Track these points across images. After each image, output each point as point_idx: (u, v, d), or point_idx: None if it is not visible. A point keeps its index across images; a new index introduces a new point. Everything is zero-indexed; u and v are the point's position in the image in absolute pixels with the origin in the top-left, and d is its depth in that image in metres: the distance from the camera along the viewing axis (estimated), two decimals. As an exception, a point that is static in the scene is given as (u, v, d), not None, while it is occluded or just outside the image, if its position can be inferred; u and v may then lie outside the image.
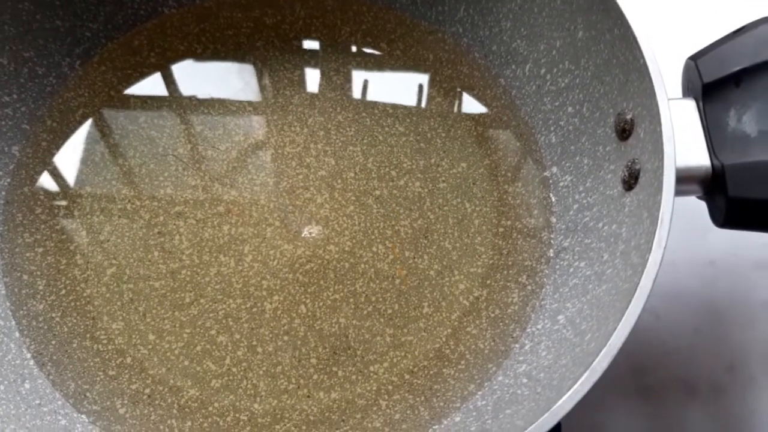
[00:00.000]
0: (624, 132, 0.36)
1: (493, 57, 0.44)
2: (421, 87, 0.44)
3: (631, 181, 0.36)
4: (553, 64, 0.41)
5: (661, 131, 0.33)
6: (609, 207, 0.37)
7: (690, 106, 0.36)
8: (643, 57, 0.34)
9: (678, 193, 0.32)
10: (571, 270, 0.38)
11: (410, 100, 0.44)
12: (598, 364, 0.29)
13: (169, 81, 0.44)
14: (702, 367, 0.41)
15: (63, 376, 0.37)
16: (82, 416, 0.36)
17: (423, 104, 0.44)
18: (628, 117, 0.36)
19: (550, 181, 0.41)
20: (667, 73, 0.34)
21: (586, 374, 0.29)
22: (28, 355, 0.37)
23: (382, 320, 0.39)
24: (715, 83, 0.35)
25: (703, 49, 0.36)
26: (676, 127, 0.33)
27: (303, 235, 0.40)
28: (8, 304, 0.38)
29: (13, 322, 0.38)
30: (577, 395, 0.29)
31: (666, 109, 0.33)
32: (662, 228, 0.31)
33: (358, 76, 0.44)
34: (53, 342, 0.38)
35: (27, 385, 0.36)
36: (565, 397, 0.29)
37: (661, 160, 0.32)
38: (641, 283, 0.30)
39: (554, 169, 0.41)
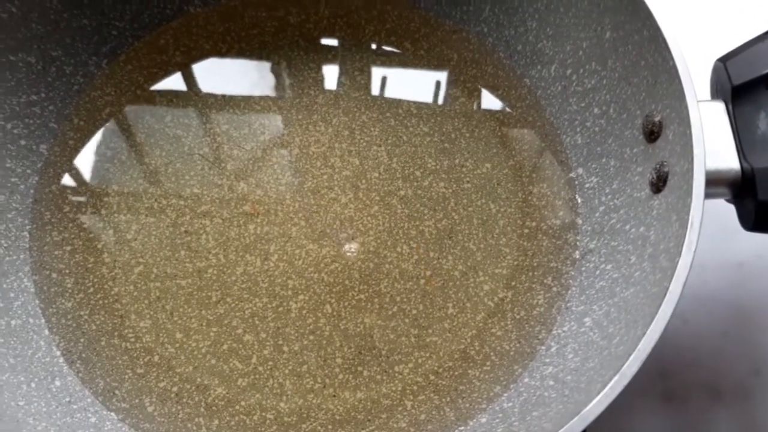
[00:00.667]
0: (652, 134, 0.36)
1: (518, 57, 0.44)
2: (445, 87, 0.44)
3: (659, 184, 0.35)
4: (580, 65, 0.41)
5: (690, 134, 0.33)
6: (636, 209, 0.37)
7: (719, 109, 0.35)
8: (672, 59, 0.34)
9: (707, 196, 0.32)
10: (598, 272, 0.38)
11: (434, 100, 0.44)
12: (627, 368, 0.29)
13: (195, 80, 0.44)
14: (728, 370, 0.41)
15: (92, 373, 0.37)
16: (111, 414, 0.37)
17: (447, 104, 0.44)
18: (657, 119, 0.36)
19: (576, 183, 0.41)
20: (695, 75, 0.34)
21: (615, 378, 0.29)
22: (58, 353, 0.38)
23: (407, 320, 0.39)
24: (744, 85, 0.35)
25: (732, 50, 0.36)
26: (705, 129, 0.33)
27: (343, 247, 0.40)
28: (37, 301, 0.39)
29: (43, 320, 0.38)
30: (606, 399, 0.29)
31: (696, 111, 0.33)
32: (692, 232, 0.31)
33: (381, 76, 0.44)
34: (82, 340, 0.38)
35: (57, 383, 0.37)
36: (594, 401, 0.29)
37: (691, 162, 0.32)
38: (671, 288, 0.30)
39: (580, 171, 0.41)
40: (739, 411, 0.41)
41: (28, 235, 0.40)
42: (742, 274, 0.43)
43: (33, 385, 0.36)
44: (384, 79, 0.44)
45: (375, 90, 0.44)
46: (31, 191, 0.41)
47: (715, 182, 0.34)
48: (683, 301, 0.40)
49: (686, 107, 0.33)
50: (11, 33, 0.39)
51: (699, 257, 0.31)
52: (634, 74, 0.37)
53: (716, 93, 0.37)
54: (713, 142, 0.34)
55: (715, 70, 0.37)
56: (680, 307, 0.40)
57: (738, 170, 0.34)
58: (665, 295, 0.30)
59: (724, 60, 0.36)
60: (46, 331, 0.38)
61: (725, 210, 0.36)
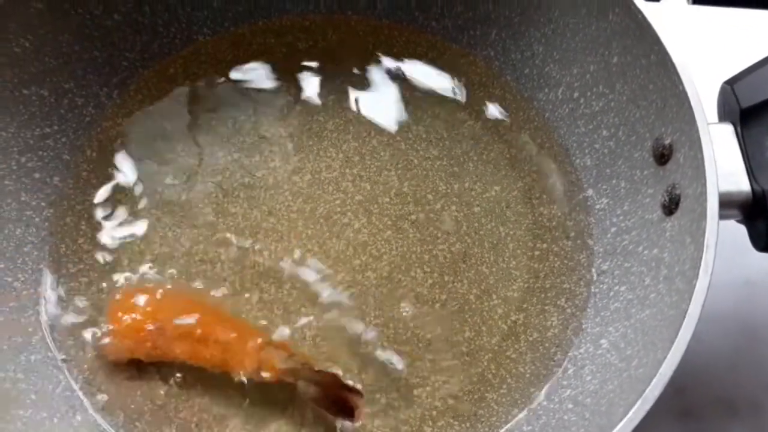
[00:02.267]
0: (662, 157, 0.37)
1: (525, 80, 0.44)
2: (453, 110, 0.45)
3: (671, 206, 0.36)
4: (587, 88, 0.41)
5: (702, 157, 0.33)
6: (649, 231, 0.37)
7: (728, 131, 0.36)
8: (681, 83, 0.35)
9: (719, 217, 0.33)
10: (612, 294, 0.39)
11: (443, 124, 0.44)
12: (650, 392, 0.30)
13: (205, 108, 0.44)
14: (742, 386, 0.41)
15: (112, 406, 0.37)
16: (132, 446, 0.37)
17: (456, 128, 0.44)
18: (667, 142, 0.36)
19: (587, 204, 0.42)
20: (702, 97, 0.35)
21: (639, 403, 0.29)
22: (77, 387, 0.38)
23: (422, 345, 0.39)
24: (753, 108, 0.36)
25: (738, 73, 0.37)
26: (715, 151, 0.33)
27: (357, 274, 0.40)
28: (55, 334, 0.39)
29: (61, 354, 0.38)
30: (630, 424, 0.29)
31: (707, 135, 0.33)
32: (708, 254, 0.32)
33: (390, 100, 0.45)
34: (101, 372, 0.38)
35: (79, 417, 0.37)
36: (619, 426, 0.29)
37: (704, 186, 0.33)
38: (690, 311, 0.31)
39: (590, 192, 0.42)
40: (754, 426, 0.41)
41: (44, 269, 0.40)
42: (753, 291, 0.43)
43: (55, 420, 0.36)
44: (393, 104, 0.45)
45: (384, 115, 0.44)
46: (46, 224, 0.41)
47: (726, 204, 0.34)
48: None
49: (697, 131, 0.34)
50: (25, 67, 0.39)
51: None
52: (643, 98, 0.38)
53: (724, 115, 0.37)
54: (723, 164, 0.34)
55: (723, 93, 0.37)
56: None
57: (749, 192, 0.35)
58: (684, 317, 0.31)
59: (731, 83, 0.37)
60: (65, 365, 0.38)
61: (734, 228, 0.37)
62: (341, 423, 0.37)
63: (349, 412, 0.36)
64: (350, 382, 0.37)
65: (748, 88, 0.36)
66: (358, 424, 0.37)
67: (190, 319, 0.37)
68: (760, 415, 0.41)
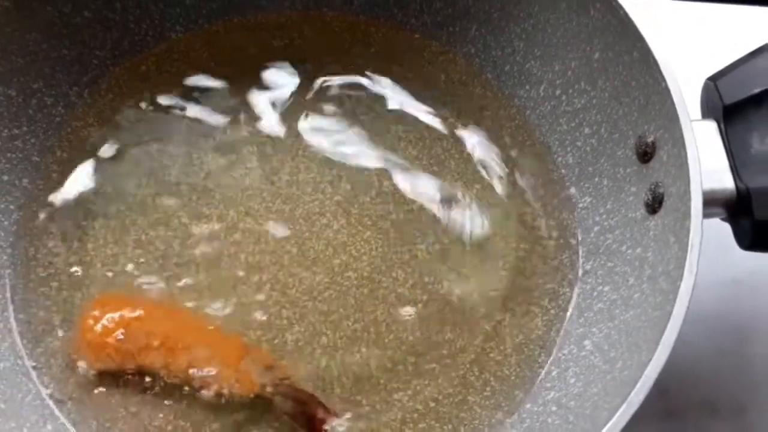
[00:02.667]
0: (645, 155, 0.36)
1: (506, 77, 0.44)
2: (433, 109, 0.44)
3: (654, 205, 0.35)
4: (569, 85, 0.41)
5: (686, 155, 0.33)
6: (632, 230, 0.37)
7: (711, 128, 0.35)
8: (664, 80, 0.34)
9: (703, 216, 0.32)
10: (595, 294, 0.38)
11: (422, 123, 0.43)
12: (635, 396, 0.29)
13: (178, 107, 0.43)
14: (725, 387, 0.41)
15: (84, 414, 0.36)
16: (105, 456, 0.36)
17: (436, 126, 0.43)
18: (650, 140, 0.36)
19: (570, 201, 0.41)
20: (685, 93, 0.34)
21: (623, 407, 0.29)
22: (47, 395, 0.37)
23: (404, 348, 0.39)
24: (736, 105, 0.35)
25: (722, 69, 0.36)
26: (699, 149, 0.33)
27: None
28: (25, 341, 0.37)
29: (31, 361, 0.37)
30: (615, 428, 0.29)
31: (690, 133, 0.33)
32: (692, 254, 0.31)
33: (368, 99, 0.44)
34: (72, 380, 0.37)
35: (49, 427, 0.36)
36: (603, 431, 0.29)
37: (688, 185, 0.32)
38: (674, 312, 0.30)
39: (573, 190, 0.41)
40: (736, 428, 0.41)
41: (11, 272, 0.39)
42: (737, 291, 0.43)
43: (25, 430, 0.35)
44: (372, 103, 0.44)
45: (363, 114, 0.44)
46: (14, 227, 0.39)
47: (710, 202, 0.34)
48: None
49: (680, 128, 0.33)
50: (-9, 65, 0.38)
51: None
52: (625, 95, 0.37)
53: (707, 112, 0.37)
54: (707, 161, 0.34)
55: (706, 89, 0.37)
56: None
57: (733, 190, 0.34)
58: (669, 319, 0.30)
59: (714, 79, 0.36)
60: (35, 373, 0.37)
61: (718, 227, 0.36)
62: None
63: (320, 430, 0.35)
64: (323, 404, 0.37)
65: (731, 85, 0.36)
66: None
67: (163, 328, 0.36)
68: (743, 417, 0.41)
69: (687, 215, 0.32)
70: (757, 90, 0.35)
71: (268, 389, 0.36)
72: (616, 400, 0.30)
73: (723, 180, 0.34)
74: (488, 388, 0.38)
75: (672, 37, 0.46)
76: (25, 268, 0.39)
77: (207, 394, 0.36)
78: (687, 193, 0.32)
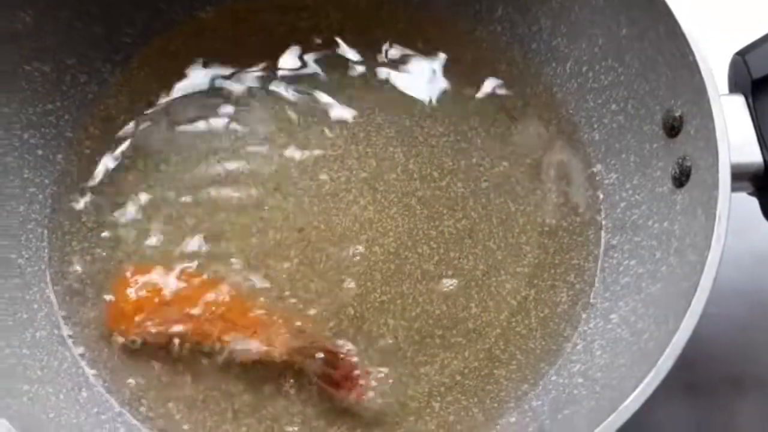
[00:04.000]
0: (673, 129, 0.36)
1: (532, 55, 0.44)
2: (459, 87, 0.44)
3: (682, 178, 0.35)
4: (596, 62, 0.41)
5: (713, 128, 0.33)
6: (659, 204, 0.37)
7: (739, 102, 0.35)
8: (692, 53, 0.34)
9: (730, 189, 0.32)
10: (621, 268, 0.38)
11: (449, 100, 0.44)
12: (663, 363, 0.29)
13: (208, 84, 0.44)
14: (750, 363, 0.41)
15: (118, 382, 0.37)
16: (139, 423, 0.36)
17: (462, 104, 0.44)
18: (677, 114, 0.36)
19: (596, 179, 0.41)
20: (713, 68, 0.34)
21: (651, 374, 0.29)
22: (83, 363, 0.37)
23: (430, 321, 0.39)
24: (765, 78, 0.35)
25: (750, 44, 0.36)
26: (727, 123, 0.33)
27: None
28: (61, 312, 0.38)
29: (67, 330, 0.38)
30: (643, 395, 0.29)
31: (718, 106, 0.33)
32: (720, 226, 0.31)
33: (394, 77, 0.44)
34: (106, 349, 0.38)
35: (84, 394, 0.36)
36: (631, 397, 0.29)
37: (715, 157, 0.32)
38: (702, 282, 0.30)
39: (599, 167, 0.41)
40: (762, 402, 0.41)
41: (48, 246, 0.40)
42: (762, 265, 0.43)
43: (61, 396, 0.36)
44: (397, 81, 0.44)
45: (389, 92, 0.44)
46: (50, 201, 0.40)
47: (737, 176, 0.33)
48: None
49: (708, 102, 0.33)
50: (25, 43, 0.39)
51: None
52: (652, 70, 0.37)
53: (735, 86, 0.37)
54: (735, 135, 0.34)
55: (734, 64, 0.37)
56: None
57: (761, 163, 0.34)
58: (696, 289, 0.30)
59: (742, 53, 0.36)
60: (71, 341, 0.38)
61: (746, 202, 0.36)
62: (345, 400, 0.37)
63: (352, 389, 0.35)
64: (355, 359, 0.37)
65: (759, 59, 0.36)
66: (362, 398, 0.36)
67: (195, 298, 0.36)
68: (767, 393, 0.41)
69: (715, 187, 0.32)
70: (785, 64, 0.35)
71: (299, 353, 0.36)
72: (643, 369, 0.30)
73: (751, 153, 0.34)
74: (514, 362, 0.38)
75: (700, 12, 0.45)
76: (60, 241, 0.40)
77: (238, 363, 0.37)
78: (715, 165, 0.32)
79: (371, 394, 0.37)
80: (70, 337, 0.38)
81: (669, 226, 0.36)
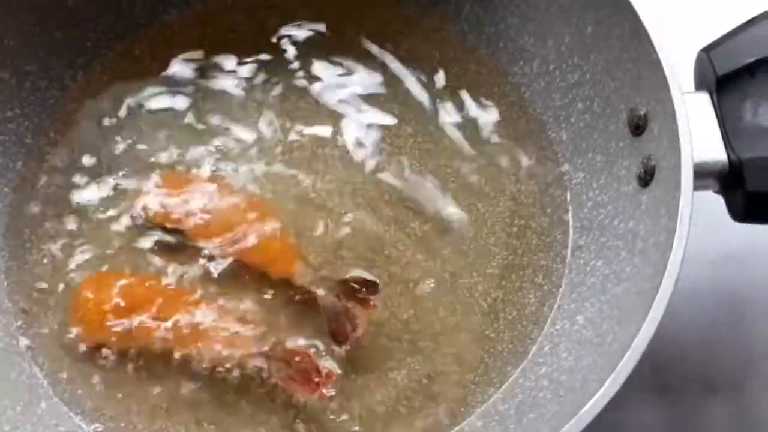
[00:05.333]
0: (637, 128, 0.36)
1: (500, 54, 0.43)
2: (427, 87, 0.44)
3: (646, 178, 0.35)
4: (562, 60, 0.40)
5: (676, 127, 0.32)
6: (624, 204, 0.37)
7: (704, 100, 0.35)
8: (655, 52, 0.34)
9: (695, 188, 0.32)
10: (588, 269, 0.38)
11: (417, 101, 0.43)
12: (623, 367, 0.29)
13: (172, 87, 0.43)
14: (721, 363, 0.41)
15: (77, 393, 0.37)
16: (99, 434, 0.36)
17: (430, 104, 0.43)
18: (642, 112, 0.36)
19: (564, 179, 0.41)
20: (677, 66, 0.34)
21: (611, 377, 0.29)
22: (42, 375, 0.37)
23: (399, 326, 0.38)
24: (729, 75, 0.35)
25: (715, 41, 0.36)
26: (690, 121, 0.33)
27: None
28: (19, 322, 0.38)
29: (25, 341, 0.37)
30: (603, 400, 0.29)
31: (681, 104, 0.33)
32: (682, 226, 0.31)
33: (363, 77, 0.44)
34: (66, 360, 0.37)
35: (43, 405, 0.36)
36: (591, 403, 0.29)
37: (678, 156, 0.32)
38: (663, 283, 0.30)
39: (567, 166, 0.41)
40: (732, 403, 0.40)
41: (6, 254, 0.39)
42: (731, 265, 0.42)
43: (18, 409, 0.35)
44: (365, 81, 0.44)
45: (358, 92, 0.43)
46: (9, 209, 0.40)
47: (702, 174, 0.33)
48: (673, 295, 0.39)
49: (671, 100, 0.33)
50: (-17, 49, 0.38)
51: (687, 250, 0.31)
52: (618, 68, 0.37)
53: (700, 84, 0.37)
54: (699, 133, 0.33)
55: (699, 61, 0.36)
56: (671, 300, 0.40)
57: (725, 161, 0.34)
58: (658, 290, 0.30)
59: (707, 50, 0.36)
60: (30, 353, 0.37)
61: (712, 201, 0.36)
62: (308, 399, 0.36)
63: (315, 390, 0.36)
64: (318, 360, 0.37)
65: (724, 56, 0.35)
66: (324, 398, 0.36)
67: (154, 302, 0.36)
68: (738, 393, 0.40)
69: (678, 187, 0.32)
70: (749, 60, 0.35)
71: (263, 356, 0.36)
72: (605, 372, 0.30)
73: (715, 152, 0.34)
74: (481, 365, 0.38)
75: (665, 9, 0.45)
76: (19, 249, 0.39)
77: (199, 370, 0.36)
78: (678, 165, 0.32)
79: (337, 399, 0.37)
80: (28, 348, 0.37)
81: (634, 225, 0.35)
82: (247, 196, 0.40)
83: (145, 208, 0.39)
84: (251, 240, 0.38)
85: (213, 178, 0.41)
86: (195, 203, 0.39)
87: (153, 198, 0.39)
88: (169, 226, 0.39)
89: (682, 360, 0.41)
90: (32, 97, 0.41)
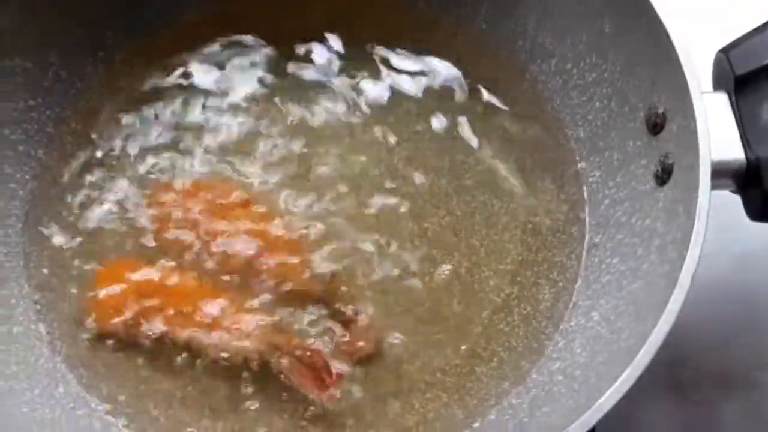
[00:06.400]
0: (656, 126, 0.36)
1: (518, 53, 0.43)
2: (444, 85, 0.44)
3: (663, 176, 0.35)
4: (580, 59, 0.41)
5: (695, 126, 0.32)
6: (642, 202, 0.37)
7: (722, 100, 0.35)
8: (675, 51, 0.34)
9: (712, 187, 0.32)
10: (604, 266, 0.38)
11: (434, 98, 0.43)
12: (638, 362, 0.29)
13: (192, 81, 0.43)
14: (736, 361, 0.41)
15: (94, 378, 0.37)
16: (115, 419, 0.36)
17: (447, 102, 0.43)
18: (660, 111, 0.36)
19: (580, 176, 0.41)
20: (696, 66, 0.34)
21: (627, 372, 0.29)
22: (60, 359, 0.37)
23: (412, 319, 0.39)
24: (747, 75, 0.35)
25: (733, 41, 0.36)
26: (709, 120, 0.33)
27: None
28: (38, 307, 0.38)
29: (44, 326, 0.38)
30: (617, 394, 0.29)
31: (700, 103, 0.33)
32: (700, 224, 0.31)
33: (380, 76, 0.44)
34: (84, 345, 0.38)
35: (61, 389, 0.36)
36: (605, 396, 0.29)
37: (696, 155, 0.32)
38: (680, 280, 0.30)
39: (583, 165, 0.41)
40: (747, 401, 0.40)
41: (27, 241, 0.39)
42: (747, 264, 0.42)
43: (37, 392, 0.35)
44: (383, 80, 0.44)
45: (374, 90, 0.44)
46: (30, 197, 0.40)
47: (720, 173, 0.33)
48: (689, 292, 0.40)
49: (690, 100, 0.33)
50: (8, 39, 0.39)
51: (705, 247, 0.31)
52: (636, 67, 0.37)
53: (718, 84, 0.37)
54: (717, 133, 0.33)
55: (717, 61, 0.37)
56: (686, 298, 0.40)
57: (743, 161, 0.34)
58: (674, 287, 0.30)
59: (726, 51, 0.36)
60: (48, 338, 0.38)
61: (729, 200, 0.36)
62: (318, 396, 0.37)
63: (327, 387, 0.36)
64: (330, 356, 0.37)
65: (742, 56, 0.35)
66: (334, 398, 0.36)
67: (172, 292, 0.36)
68: (753, 390, 0.40)
69: (695, 186, 0.32)
70: (767, 61, 0.35)
71: (276, 350, 0.36)
72: (620, 368, 0.30)
73: (733, 151, 0.34)
74: (495, 359, 0.38)
75: (684, 9, 0.45)
76: (40, 236, 0.40)
77: (215, 360, 0.37)
78: (696, 163, 0.32)
79: (350, 390, 0.37)
80: (47, 333, 0.38)
81: (651, 223, 0.35)
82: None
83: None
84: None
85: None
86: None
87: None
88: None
89: (697, 357, 0.41)
90: (54, 87, 0.41)
